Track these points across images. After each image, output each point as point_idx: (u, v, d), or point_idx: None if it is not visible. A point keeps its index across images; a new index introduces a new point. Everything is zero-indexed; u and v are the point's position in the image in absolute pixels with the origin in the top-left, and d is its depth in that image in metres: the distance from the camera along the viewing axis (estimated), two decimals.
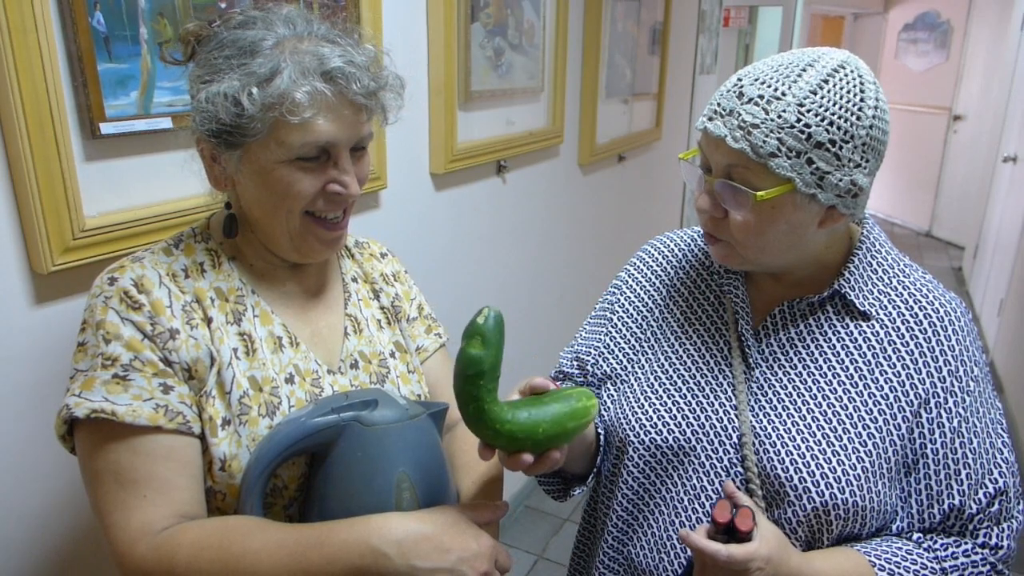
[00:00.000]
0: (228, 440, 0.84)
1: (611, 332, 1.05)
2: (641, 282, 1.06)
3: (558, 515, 2.77)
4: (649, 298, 1.04)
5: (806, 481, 0.86)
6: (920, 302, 0.91)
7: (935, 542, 0.88)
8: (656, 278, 1.06)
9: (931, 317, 0.90)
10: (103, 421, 0.79)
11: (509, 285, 2.41)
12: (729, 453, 0.91)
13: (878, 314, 0.91)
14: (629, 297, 1.06)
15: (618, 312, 1.06)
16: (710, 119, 0.84)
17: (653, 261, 1.08)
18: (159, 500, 0.80)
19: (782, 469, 0.87)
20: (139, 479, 0.80)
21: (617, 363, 1.02)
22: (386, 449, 0.86)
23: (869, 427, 0.87)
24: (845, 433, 0.87)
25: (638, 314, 1.04)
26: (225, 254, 0.92)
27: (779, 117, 0.79)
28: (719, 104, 0.84)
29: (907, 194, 7.18)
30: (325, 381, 0.94)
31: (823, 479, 0.85)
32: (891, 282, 0.93)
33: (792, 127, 0.79)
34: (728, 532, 0.79)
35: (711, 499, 0.91)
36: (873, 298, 0.91)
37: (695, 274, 1.03)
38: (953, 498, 0.87)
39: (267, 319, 0.92)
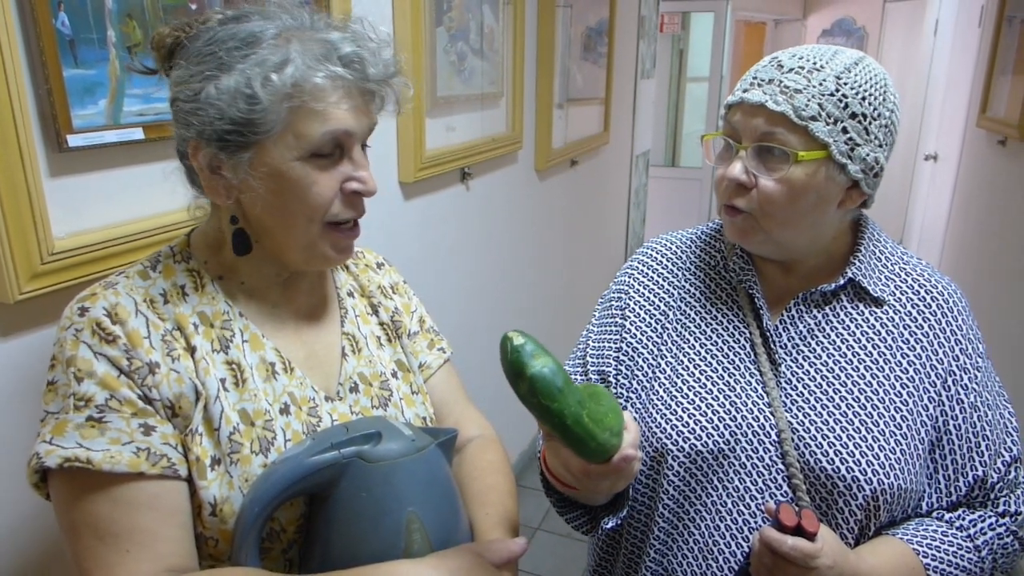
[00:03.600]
0: (218, 482, 0.76)
1: (626, 339, 1.02)
2: (649, 285, 1.04)
3: (528, 524, 2.74)
4: (661, 301, 1.02)
5: (854, 471, 0.86)
6: (924, 286, 0.95)
7: (964, 519, 0.91)
8: (664, 280, 1.04)
9: (938, 300, 0.94)
10: (78, 470, 0.71)
11: (475, 292, 2.37)
12: (769, 451, 0.90)
13: (889, 299, 0.94)
14: (639, 301, 1.03)
15: (630, 317, 1.03)
16: (746, 91, 0.88)
17: (656, 264, 1.06)
18: (143, 555, 0.72)
19: (827, 462, 0.87)
20: (120, 532, 0.72)
21: (639, 370, 0.99)
22: (393, 487, 0.79)
23: (901, 410, 0.89)
24: (880, 418, 0.89)
25: (652, 319, 1.02)
26: (210, 274, 0.84)
27: (820, 84, 0.84)
28: (755, 76, 0.88)
29: None
30: (323, 410, 0.87)
31: (869, 467, 0.86)
32: (894, 268, 0.97)
33: (832, 95, 0.84)
34: (794, 536, 0.77)
35: (755, 499, 0.90)
36: (883, 284, 0.95)
37: (703, 274, 1.02)
38: (976, 469, 0.91)
39: (257, 344, 0.84)
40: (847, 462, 0.87)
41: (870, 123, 0.85)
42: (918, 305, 0.94)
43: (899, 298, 0.94)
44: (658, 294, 1.03)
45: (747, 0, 6.89)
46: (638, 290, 1.04)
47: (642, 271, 1.06)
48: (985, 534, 0.91)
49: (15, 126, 0.88)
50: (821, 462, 0.88)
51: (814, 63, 0.85)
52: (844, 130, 0.84)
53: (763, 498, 0.90)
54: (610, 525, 0.93)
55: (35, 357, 0.97)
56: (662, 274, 1.04)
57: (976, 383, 0.92)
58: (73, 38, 0.96)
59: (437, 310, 2.10)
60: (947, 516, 0.91)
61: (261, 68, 0.74)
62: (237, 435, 0.78)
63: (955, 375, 0.91)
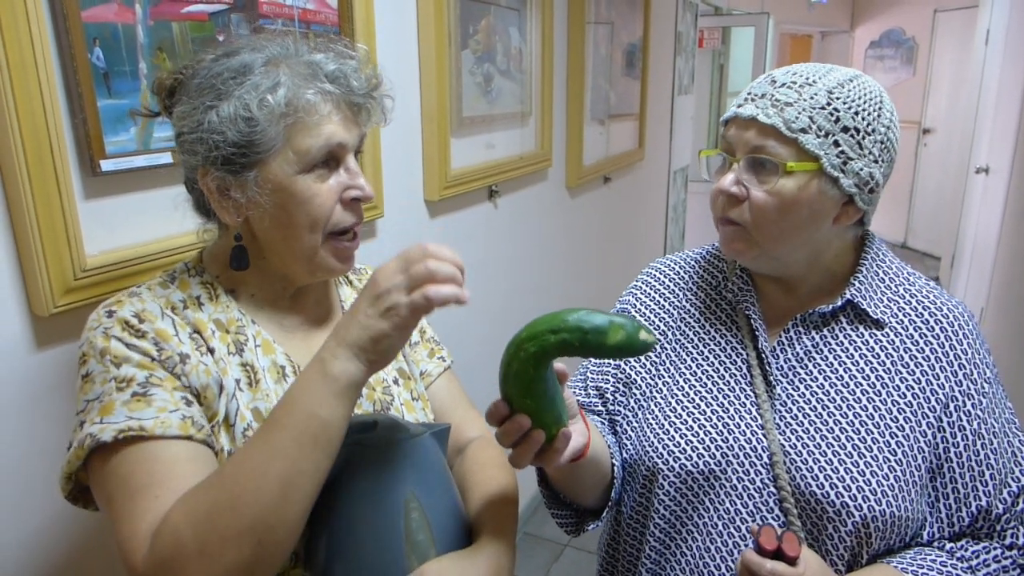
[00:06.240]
0: None
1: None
2: (650, 305, 1.05)
3: (558, 541, 2.74)
4: (661, 321, 1.04)
5: (843, 496, 0.85)
6: (929, 308, 0.93)
7: (966, 550, 0.88)
8: (665, 300, 1.05)
9: (942, 323, 0.92)
10: (131, 440, 0.75)
11: (502, 309, 2.40)
12: (761, 474, 0.90)
13: (890, 322, 0.92)
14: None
15: None
16: (740, 106, 0.89)
17: (659, 283, 1.07)
18: (170, 497, 0.74)
19: (817, 486, 0.86)
20: (153, 482, 0.74)
21: (637, 390, 1.01)
22: (391, 470, 0.85)
23: (897, 435, 0.87)
24: (875, 443, 0.87)
25: None
26: (222, 287, 0.91)
27: (811, 98, 0.85)
28: (750, 92, 0.89)
29: (881, 206, 7.22)
30: None
31: (859, 492, 0.85)
32: (898, 290, 0.95)
33: (823, 108, 0.85)
34: (774, 559, 0.78)
35: (745, 522, 0.90)
36: (884, 306, 0.93)
37: (703, 294, 1.03)
38: (980, 499, 0.87)
39: (269, 348, 0.90)
40: (837, 487, 0.85)
41: (863, 137, 0.85)
42: (920, 328, 0.91)
43: (900, 320, 0.92)
44: (658, 313, 1.04)
45: (792, 13, 6.81)
46: (639, 309, 1.06)
47: (644, 291, 1.08)
48: (988, 566, 0.87)
49: (52, 153, 0.96)
50: (811, 486, 0.86)
51: (807, 78, 0.87)
52: (836, 143, 0.84)
53: (754, 520, 0.89)
54: (591, 527, 0.97)
55: (68, 367, 1.04)
56: (663, 293, 1.06)
57: (980, 409, 0.89)
58: (107, 71, 1.04)
59: (462, 327, 2.15)
60: (948, 546, 0.88)
61: (256, 92, 0.81)
62: (251, 431, 0.84)
63: (957, 400, 0.88)
